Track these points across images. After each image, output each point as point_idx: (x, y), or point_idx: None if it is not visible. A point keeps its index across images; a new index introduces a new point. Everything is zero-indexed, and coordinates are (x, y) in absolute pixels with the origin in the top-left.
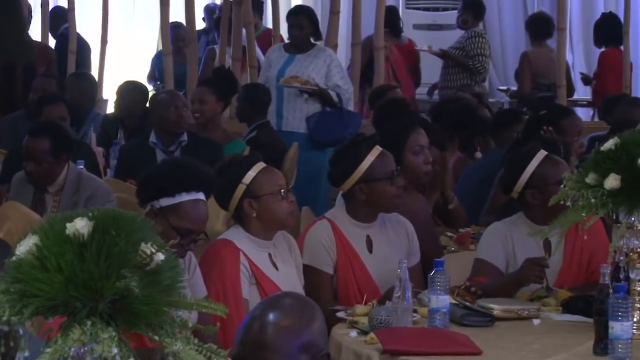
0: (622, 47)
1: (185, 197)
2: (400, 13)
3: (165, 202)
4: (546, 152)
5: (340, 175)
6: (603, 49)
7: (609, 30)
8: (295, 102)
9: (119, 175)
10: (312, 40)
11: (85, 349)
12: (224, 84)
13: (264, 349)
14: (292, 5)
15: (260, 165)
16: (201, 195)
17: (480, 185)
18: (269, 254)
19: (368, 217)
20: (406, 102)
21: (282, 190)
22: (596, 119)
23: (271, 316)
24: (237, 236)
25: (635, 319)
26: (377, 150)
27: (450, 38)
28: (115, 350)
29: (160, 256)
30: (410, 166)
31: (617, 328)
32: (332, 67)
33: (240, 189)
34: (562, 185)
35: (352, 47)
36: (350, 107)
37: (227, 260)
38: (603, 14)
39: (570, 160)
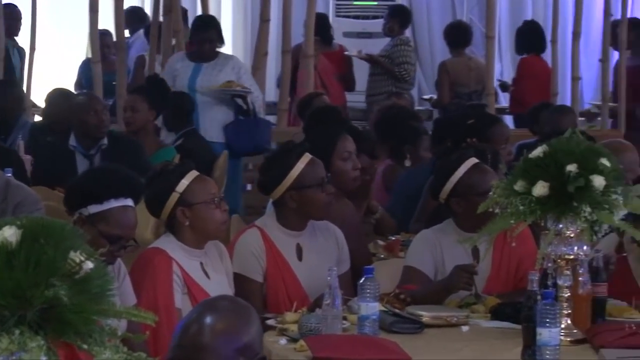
0: (543, 55)
1: (113, 203)
2: (331, 21)
3: (93, 209)
4: (476, 160)
5: (270, 183)
6: (524, 56)
7: (529, 38)
8: (210, 110)
9: (36, 178)
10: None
11: (14, 358)
12: (156, 92)
13: (201, 352)
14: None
15: (194, 173)
16: (129, 202)
17: (416, 193)
18: (201, 263)
19: (298, 225)
20: (336, 110)
21: (216, 199)
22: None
23: (208, 319)
24: (169, 245)
25: (562, 326)
26: (306, 157)
27: (380, 46)
28: (43, 359)
29: (89, 264)
30: (339, 172)
31: (545, 334)
32: (242, 74)
33: (174, 197)
34: (490, 193)
35: (282, 54)
36: (261, 114)
37: (159, 269)
38: (525, 22)
39: (499, 168)
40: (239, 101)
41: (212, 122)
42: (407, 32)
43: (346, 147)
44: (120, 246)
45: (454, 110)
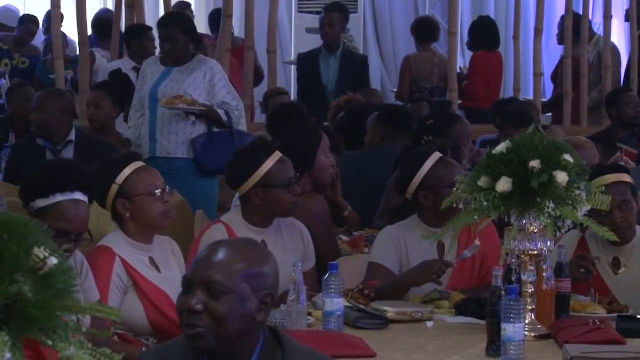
0: (505, 51)
1: (59, 197)
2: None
3: (40, 202)
4: (441, 154)
5: (237, 178)
6: (479, 52)
7: (481, 34)
8: (170, 123)
9: (8, 176)
10: (192, 49)
11: None
12: (119, 88)
13: (209, 268)
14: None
15: (137, 164)
16: (78, 195)
17: (373, 185)
18: (150, 257)
19: (263, 222)
20: (301, 107)
21: (157, 191)
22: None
23: (227, 243)
24: (116, 240)
25: (526, 321)
26: (276, 155)
27: None
28: (8, 355)
29: (53, 260)
30: (322, 167)
31: (509, 330)
32: (216, 81)
33: (114, 188)
34: (454, 188)
35: (245, 51)
36: (242, 126)
37: (100, 268)
38: (479, 17)
39: (462, 164)
40: (221, 112)
41: (171, 136)
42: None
43: (327, 142)
44: (68, 240)
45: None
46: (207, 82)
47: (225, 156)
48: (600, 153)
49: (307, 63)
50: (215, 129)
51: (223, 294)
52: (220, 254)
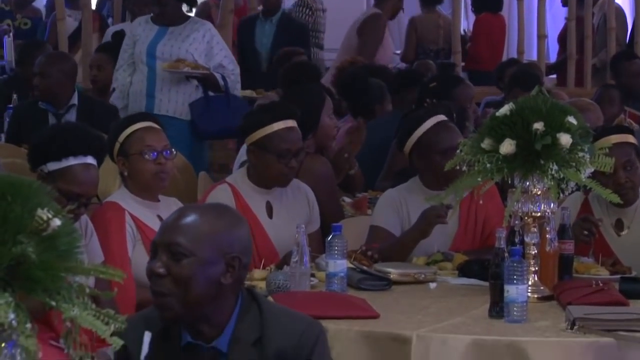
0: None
1: (72, 161)
2: None
3: (52, 166)
4: (444, 118)
5: (245, 128)
6: (483, 14)
7: None
8: (172, 81)
9: (10, 139)
10: (184, 10)
11: None
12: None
13: (173, 232)
14: None
15: (141, 124)
16: (89, 159)
17: (378, 148)
18: (158, 216)
19: (267, 183)
20: (313, 67)
21: (152, 152)
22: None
23: (195, 208)
24: (122, 196)
25: (530, 283)
26: (287, 123)
27: None
28: (12, 316)
29: (57, 222)
30: (326, 128)
31: (512, 291)
32: (214, 44)
33: (116, 146)
34: (458, 151)
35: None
36: (237, 91)
37: (112, 221)
38: None
39: (466, 126)
40: (218, 77)
41: (171, 94)
42: None
43: (330, 104)
44: (80, 204)
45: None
46: (205, 44)
47: (220, 121)
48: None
49: (244, 27)
50: (211, 94)
51: (184, 257)
52: (186, 218)
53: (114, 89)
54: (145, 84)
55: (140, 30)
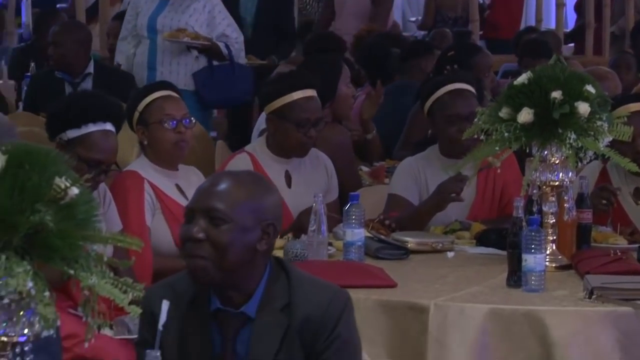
0: None
1: (91, 127)
2: None
3: (71, 133)
4: (463, 86)
5: (265, 97)
6: None
7: None
8: (172, 53)
9: (27, 107)
10: None
11: (0, 283)
12: None
13: (211, 197)
14: None
15: (160, 92)
16: (108, 126)
17: (393, 116)
18: (177, 185)
19: (286, 152)
20: (337, 37)
21: (171, 120)
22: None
23: (229, 174)
24: (141, 165)
25: (548, 252)
26: (307, 92)
27: None
28: (30, 284)
29: (75, 190)
30: (344, 97)
31: (530, 260)
32: (216, 13)
33: (135, 115)
34: (475, 119)
35: None
36: (241, 59)
37: (131, 189)
38: None
39: (484, 96)
40: (221, 46)
41: (172, 66)
42: None
43: (348, 73)
44: (100, 171)
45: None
46: (206, 14)
47: (225, 89)
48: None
49: None
50: (215, 62)
51: (224, 223)
52: (223, 184)
53: (119, 65)
54: (146, 57)
55: (142, 2)
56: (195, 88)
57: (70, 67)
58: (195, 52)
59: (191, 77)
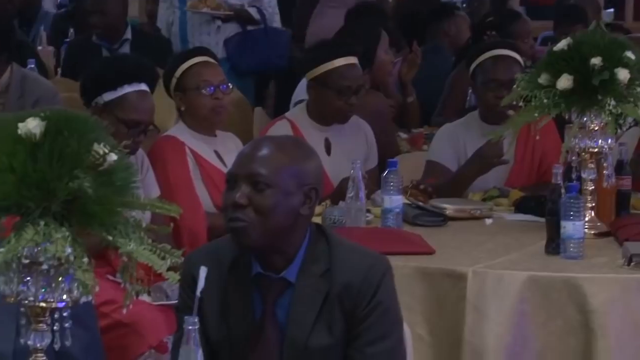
0: None
1: (127, 88)
2: None
3: (108, 96)
4: (506, 52)
5: (305, 64)
6: None
7: None
8: (201, 25)
9: (66, 74)
10: None
11: (39, 249)
12: None
13: (254, 163)
14: None
15: (198, 58)
16: (143, 86)
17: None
18: (215, 151)
19: (326, 120)
20: (378, 8)
21: (208, 86)
22: None
23: (270, 139)
24: (180, 131)
25: (586, 219)
26: (349, 59)
27: None
28: (69, 250)
29: (113, 156)
30: (382, 64)
31: (569, 227)
32: None
33: (173, 82)
34: (514, 86)
35: None
36: (276, 22)
37: (171, 154)
38: None
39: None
40: (253, 11)
41: (203, 37)
42: None
43: (387, 39)
44: (139, 131)
45: None
46: None
47: (259, 55)
48: None
49: None
50: (249, 27)
51: (267, 188)
52: (265, 149)
53: (159, 29)
54: (179, 28)
55: None
56: (227, 55)
57: (111, 33)
58: (218, 22)
59: (223, 46)
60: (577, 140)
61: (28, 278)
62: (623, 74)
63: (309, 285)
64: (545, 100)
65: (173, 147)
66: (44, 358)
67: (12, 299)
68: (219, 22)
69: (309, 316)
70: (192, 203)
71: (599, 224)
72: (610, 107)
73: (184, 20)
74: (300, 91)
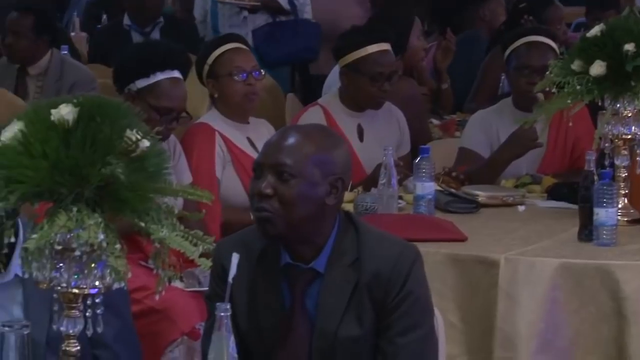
0: None
1: (160, 76)
2: None
3: (141, 83)
4: (540, 39)
5: (339, 50)
6: None
7: None
8: (231, 17)
9: (94, 60)
10: None
11: (72, 235)
12: None
13: (279, 152)
14: None
15: (230, 45)
16: (176, 74)
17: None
18: (248, 138)
19: (359, 106)
20: None
21: (241, 74)
22: None
23: (297, 128)
24: (212, 118)
25: (620, 206)
26: (383, 46)
27: None
28: (101, 236)
29: (146, 143)
30: (415, 50)
31: (602, 214)
32: None
33: (205, 69)
34: (547, 72)
35: None
36: (307, 14)
37: (202, 142)
38: None
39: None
40: (283, 2)
41: (233, 28)
42: None
43: (419, 25)
44: (172, 118)
45: None
46: None
47: (288, 47)
48: None
49: None
50: (280, 18)
51: (292, 178)
52: (291, 139)
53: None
54: (211, 19)
55: None
56: (254, 46)
57: (146, 16)
58: (245, 13)
59: (252, 37)
60: (610, 127)
61: (61, 264)
62: None
63: (338, 275)
64: (578, 87)
65: (203, 135)
66: (77, 344)
67: (45, 285)
68: (245, 13)
69: (338, 306)
70: (211, 187)
71: (632, 210)
72: None
73: (215, 11)
74: (332, 80)
